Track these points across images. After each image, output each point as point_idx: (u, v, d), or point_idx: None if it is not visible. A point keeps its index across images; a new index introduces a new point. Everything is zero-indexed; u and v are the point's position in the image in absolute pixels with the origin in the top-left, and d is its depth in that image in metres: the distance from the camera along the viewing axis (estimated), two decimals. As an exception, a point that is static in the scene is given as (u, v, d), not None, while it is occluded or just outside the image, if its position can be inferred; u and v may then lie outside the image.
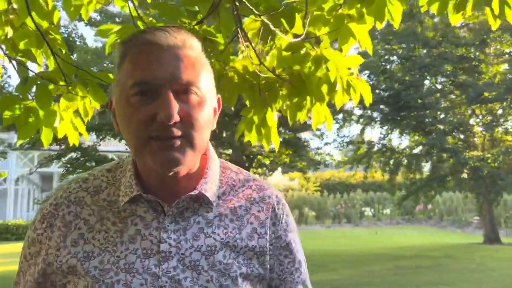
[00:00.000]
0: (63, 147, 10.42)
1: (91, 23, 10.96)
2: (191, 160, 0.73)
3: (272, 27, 1.62)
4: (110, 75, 1.75)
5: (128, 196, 0.75)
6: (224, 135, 11.22)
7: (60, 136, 1.85)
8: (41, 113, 1.79)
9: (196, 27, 1.72)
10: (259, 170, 12.95)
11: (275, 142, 2.09)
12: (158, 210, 0.75)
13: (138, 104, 0.69)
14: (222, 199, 0.79)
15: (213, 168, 0.80)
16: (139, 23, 1.86)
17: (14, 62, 1.71)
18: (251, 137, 2.18)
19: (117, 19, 10.51)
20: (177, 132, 0.69)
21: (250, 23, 1.83)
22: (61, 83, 1.68)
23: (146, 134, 0.69)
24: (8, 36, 1.79)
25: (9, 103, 1.68)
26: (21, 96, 1.71)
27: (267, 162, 12.86)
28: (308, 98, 1.94)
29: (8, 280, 8.83)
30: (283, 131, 11.46)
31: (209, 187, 0.77)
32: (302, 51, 1.84)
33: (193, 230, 0.75)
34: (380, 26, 1.82)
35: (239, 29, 1.63)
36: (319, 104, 1.96)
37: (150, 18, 1.90)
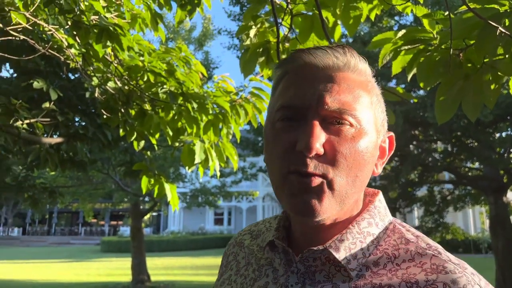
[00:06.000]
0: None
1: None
2: (331, 209, 0.58)
3: None
4: (400, 89, 1.47)
5: (265, 242, 0.68)
6: (475, 145, 9.64)
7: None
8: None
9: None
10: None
11: None
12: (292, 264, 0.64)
13: (282, 130, 0.60)
14: (371, 270, 0.60)
15: (365, 224, 0.63)
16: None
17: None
18: None
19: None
20: (315, 169, 0.56)
21: None
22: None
23: (285, 166, 0.59)
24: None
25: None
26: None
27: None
28: None
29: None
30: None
31: (346, 247, 0.60)
32: None
33: None
34: None
35: None
36: None
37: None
